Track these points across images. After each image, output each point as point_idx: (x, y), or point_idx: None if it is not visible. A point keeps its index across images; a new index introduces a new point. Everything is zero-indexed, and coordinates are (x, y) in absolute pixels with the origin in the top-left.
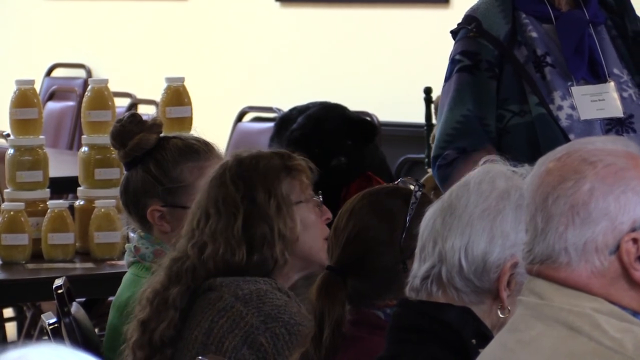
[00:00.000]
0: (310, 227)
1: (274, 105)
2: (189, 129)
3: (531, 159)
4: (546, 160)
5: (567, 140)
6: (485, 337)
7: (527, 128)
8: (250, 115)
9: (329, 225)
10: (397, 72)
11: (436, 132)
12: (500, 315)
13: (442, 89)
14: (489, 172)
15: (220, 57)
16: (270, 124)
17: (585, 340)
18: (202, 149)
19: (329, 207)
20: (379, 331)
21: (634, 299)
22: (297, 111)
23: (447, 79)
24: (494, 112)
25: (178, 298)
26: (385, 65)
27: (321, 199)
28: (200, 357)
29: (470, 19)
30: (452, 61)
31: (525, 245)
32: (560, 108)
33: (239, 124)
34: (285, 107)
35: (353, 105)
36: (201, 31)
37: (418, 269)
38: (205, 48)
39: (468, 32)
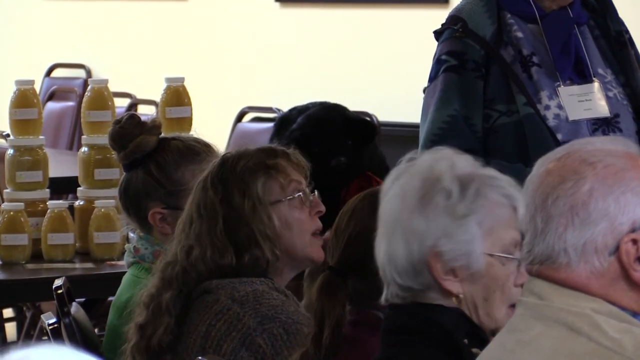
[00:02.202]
0: (292, 225)
1: (273, 105)
2: (189, 129)
3: (519, 158)
4: (546, 161)
5: (555, 139)
6: (477, 337)
7: (515, 128)
8: (250, 116)
9: (329, 223)
10: (396, 72)
11: (421, 132)
12: (455, 302)
13: (427, 89)
14: (398, 178)
15: (220, 57)
16: (270, 124)
17: (585, 341)
18: (202, 151)
19: (328, 207)
20: (378, 332)
21: (634, 299)
22: (296, 111)
23: (431, 79)
24: (481, 112)
25: (171, 303)
26: (385, 65)
27: (312, 194)
28: (199, 358)
29: (455, 19)
30: (438, 61)
31: (524, 245)
32: (547, 108)
33: (239, 124)
34: (285, 107)
35: (353, 106)
36: (201, 31)
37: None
38: (205, 48)
39: (454, 32)
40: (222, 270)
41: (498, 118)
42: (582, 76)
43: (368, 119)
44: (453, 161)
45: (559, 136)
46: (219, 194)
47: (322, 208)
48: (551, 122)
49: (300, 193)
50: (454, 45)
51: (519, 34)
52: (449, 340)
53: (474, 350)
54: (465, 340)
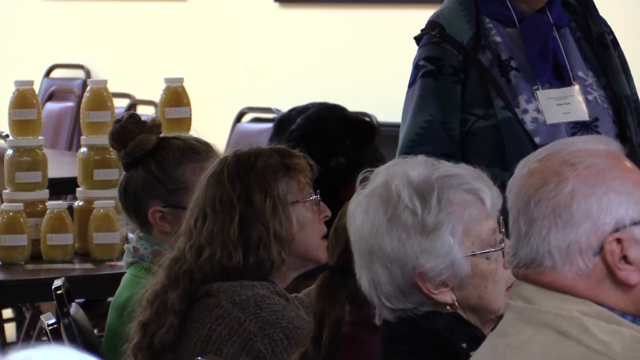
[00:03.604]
0: (306, 226)
1: (273, 106)
2: (188, 129)
3: (496, 162)
4: (528, 162)
5: (533, 143)
6: (477, 339)
7: (492, 131)
8: (249, 116)
9: (328, 224)
10: (396, 73)
11: (400, 137)
12: (449, 309)
13: (406, 94)
14: (359, 204)
15: (219, 58)
16: (269, 125)
17: (574, 344)
18: (203, 150)
19: (328, 208)
20: (378, 332)
21: (621, 298)
22: (296, 112)
23: (410, 84)
24: (459, 117)
25: (177, 303)
26: (385, 66)
27: (319, 197)
28: (199, 358)
29: (433, 24)
30: (416, 67)
31: (509, 248)
32: (525, 112)
33: (238, 125)
34: (284, 108)
35: (352, 106)
36: (200, 32)
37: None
38: (204, 49)
39: (431, 37)
40: (226, 272)
41: (475, 122)
42: (562, 79)
43: (367, 119)
44: (406, 173)
45: (537, 140)
46: (237, 189)
47: (329, 213)
48: (529, 125)
49: (316, 196)
50: (432, 50)
51: (497, 39)
52: (446, 346)
53: (473, 353)
54: (464, 345)
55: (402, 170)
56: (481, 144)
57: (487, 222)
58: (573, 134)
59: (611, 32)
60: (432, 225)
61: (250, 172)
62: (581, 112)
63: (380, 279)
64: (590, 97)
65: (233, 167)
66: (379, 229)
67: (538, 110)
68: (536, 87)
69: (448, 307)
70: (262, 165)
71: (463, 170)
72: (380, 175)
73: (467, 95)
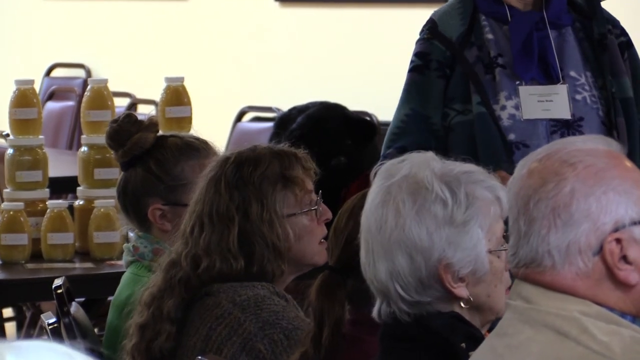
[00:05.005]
0: (303, 236)
1: (273, 105)
2: (189, 128)
3: (470, 156)
4: (527, 162)
5: (504, 139)
6: (475, 339)
7: (469, 126)
8: (249, 115)
9: (329, 224)
10: (396, 72)
11: None
12: (463, 306)
13: None
14: (378, 193)
15: (220, 57)
16: (270, 124)
17: (573, 345)
18: (201, 147)
19: (329, 207)
20: (378, 331)
21: (621, 298)
22: (296, 111)
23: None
24: (440, 111)
25: (172, 310)
26: (385, 65)
27: (320, 202)
28: (200, 357)
29: (428, 21)
30: (410, 62)
31: (509, 248)
32: (503, 108)
33: (239, 124)
34: (285, 107)
35: (352, 105)
36: (201, 31)
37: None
38: (204, 48)
39: (424, 34)
40: (227, 277)
41: (455, 116)
42: (549, 77)
43: (368, 118)
44: (429, 164)
45: (512, 136)
46: (235, 200)
47: (329, 215)
48: (505, 122)
49: (316, 206)
50: (422, 46)
51: (489, 36)
52: (445, 345)
53: (472, 353)
54: (463, 345)
55: (427, 163)
56: (459, 139)
57: (501, 221)
58: (552, 133)
59: (622, 34)
60: (462, 219)
61: (248, 182)
62: (563, 110)
63: (401, 270)
64: (578, 97)
65: (231, 175)
66: (406, 219)
67: (517, 107)
68: (519, 82)
69: (462, 303)
70: (260, 175)
71: (477, 168)
72: (402, 168)
73: (449, 91)
